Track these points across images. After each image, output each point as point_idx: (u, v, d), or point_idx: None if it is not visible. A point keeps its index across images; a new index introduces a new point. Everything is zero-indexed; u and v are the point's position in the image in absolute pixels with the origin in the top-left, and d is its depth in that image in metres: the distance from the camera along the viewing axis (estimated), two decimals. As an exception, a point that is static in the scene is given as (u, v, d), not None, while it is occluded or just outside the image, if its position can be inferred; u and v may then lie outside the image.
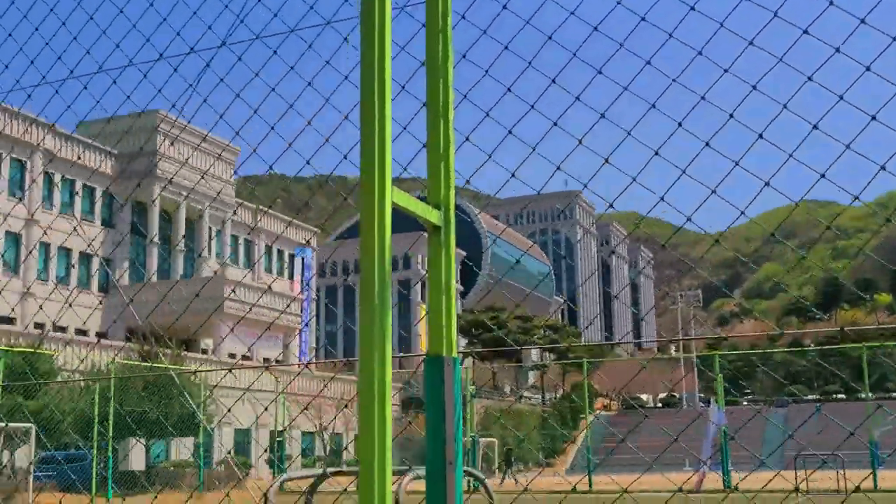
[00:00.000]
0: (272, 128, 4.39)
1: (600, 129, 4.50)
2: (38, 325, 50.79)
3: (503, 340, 73.30)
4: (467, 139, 3.57)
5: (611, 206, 4.56)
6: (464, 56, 3.52)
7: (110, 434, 26.17)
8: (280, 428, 32.59)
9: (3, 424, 23.76)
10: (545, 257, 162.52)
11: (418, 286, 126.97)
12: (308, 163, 4.95)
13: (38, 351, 27.24)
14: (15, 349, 25.60)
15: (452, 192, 3.24)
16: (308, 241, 73.82)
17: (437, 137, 3.23)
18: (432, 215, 3.15)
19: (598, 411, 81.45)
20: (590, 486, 27.96)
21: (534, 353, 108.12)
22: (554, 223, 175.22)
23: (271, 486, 5.05)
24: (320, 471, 5.18)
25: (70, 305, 44.43)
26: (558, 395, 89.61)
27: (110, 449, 26.86)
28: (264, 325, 57.49)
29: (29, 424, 21.59)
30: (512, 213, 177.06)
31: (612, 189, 4.72)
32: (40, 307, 38.76)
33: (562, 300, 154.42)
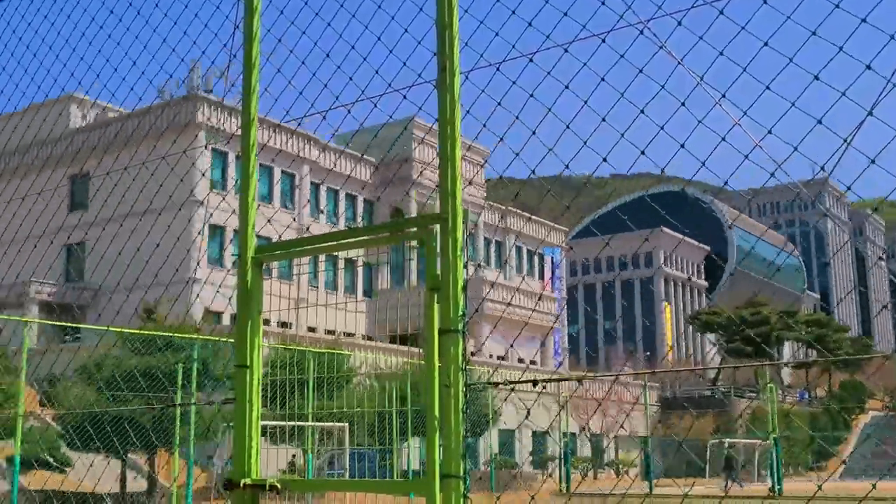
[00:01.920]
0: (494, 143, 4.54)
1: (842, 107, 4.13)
2: (311, 329, 53.20)
3: (766, 337, 69.59)
4: None
5: (849, 189, 4.22)
6: None
7: (409, 432, 26.48)
8: (564, 430, 31.99)
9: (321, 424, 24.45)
10: (793, 249, 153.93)
11: (661, 283, 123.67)
12: (566, 166, 4.73)
13: (338, 352, 28.15)
14: (321, 350, 26.49)
15: None
16: (561, 242, 73.37)
17: None
18: None
19: (870, 412, 75.62)
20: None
21: (787, 351, 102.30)
22: (801, 213, 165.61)
23: None
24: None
25: (356, 313, 46.06)
26: (817, 395, 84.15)
27: (409, 447, 27.22)
28: (521, 325, 57.42)
29: (342, 424, 22.17)
30: (751, 205, 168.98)
31: (863, 175, 4.32)
32: (344, 320, 40.37)
33: (815, 295, 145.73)
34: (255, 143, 4.60)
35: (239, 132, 4.64)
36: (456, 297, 3.80)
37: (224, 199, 49.07)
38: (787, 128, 4.23)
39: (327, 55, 5.18)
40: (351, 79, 5.08)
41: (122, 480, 26.34)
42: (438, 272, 3.83)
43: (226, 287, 44.75)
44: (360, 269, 58.15)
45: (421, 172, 57.68)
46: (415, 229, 3.94)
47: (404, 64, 4.88)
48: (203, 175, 47.33)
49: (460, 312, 3.80)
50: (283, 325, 53.10)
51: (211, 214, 43.89)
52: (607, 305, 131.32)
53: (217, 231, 49.62)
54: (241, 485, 4.24)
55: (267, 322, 50.74)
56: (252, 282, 4.47)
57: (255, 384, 4.38)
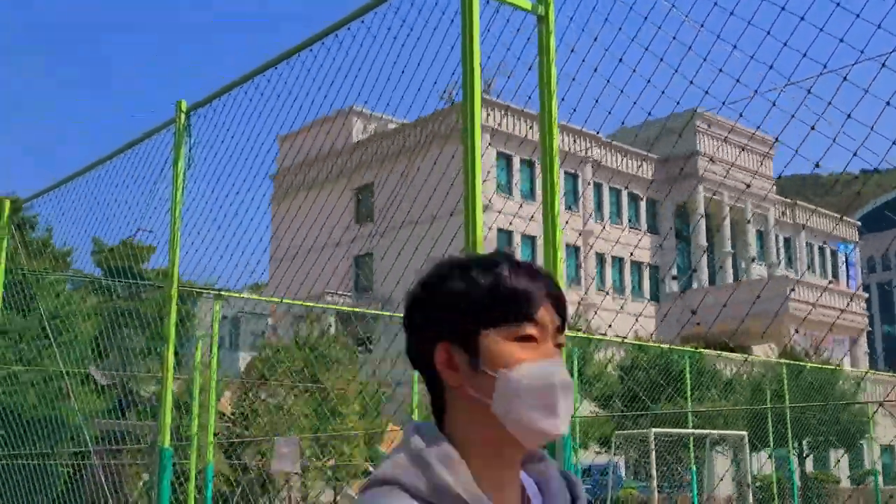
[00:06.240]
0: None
1: None
2: (602, 333, 50.86)
3: None
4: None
5: None
6: None
7: (771, 442, 23.41)
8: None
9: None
10: None
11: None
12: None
13: (707, 352, 25.60)
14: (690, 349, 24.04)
15: None
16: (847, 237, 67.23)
17: None
18: None
19: None
20: None
21: None
22: None
23: None
24: None
25: (636, 318, 43.50)
26: None
27: (773, 456, 24.15)
28: (824, 326, 52.57)
29: (742, 432, 19.42)
30: None
31: None
32: (635, 324, 38.01)
33: None
34: None
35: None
36: None
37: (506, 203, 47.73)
38: None
39: (634, 69, 5.03)
40: (662, 90, 5.00)
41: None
42: None
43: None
44: (646, 271, 55.33)
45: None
46: None
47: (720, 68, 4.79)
48: (490, 168, 46.27)
49: None
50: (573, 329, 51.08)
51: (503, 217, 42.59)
52: (885, 305, 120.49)
53: (503, 235, 48.37)
54: None
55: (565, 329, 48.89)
56: None
57: None
